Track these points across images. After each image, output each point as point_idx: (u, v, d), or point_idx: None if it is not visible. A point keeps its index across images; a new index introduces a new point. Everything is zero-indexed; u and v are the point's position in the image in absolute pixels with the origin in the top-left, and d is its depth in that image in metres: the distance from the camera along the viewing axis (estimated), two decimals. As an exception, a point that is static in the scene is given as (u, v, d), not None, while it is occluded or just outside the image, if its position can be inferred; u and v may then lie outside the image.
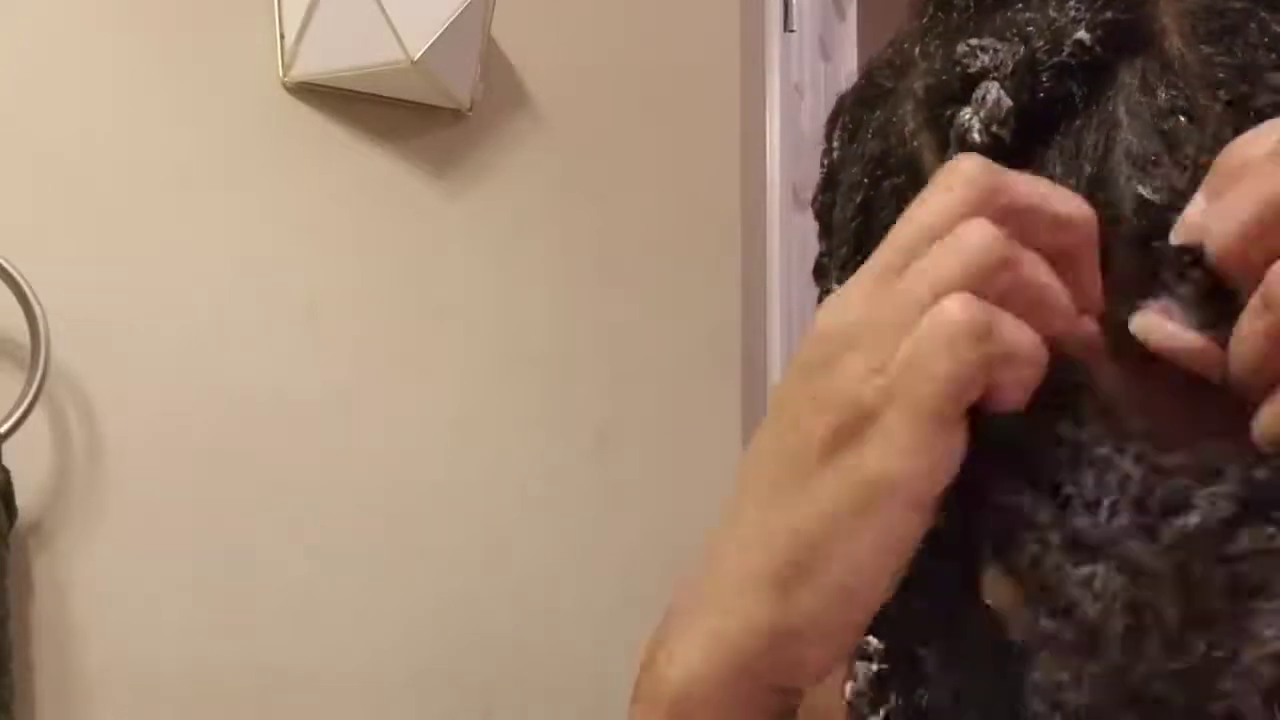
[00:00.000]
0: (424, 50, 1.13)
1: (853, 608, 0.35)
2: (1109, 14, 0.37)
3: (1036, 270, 0.33)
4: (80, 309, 1.03)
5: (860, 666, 0.48)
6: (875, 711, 0.47)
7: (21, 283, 0.98)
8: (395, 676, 1.19)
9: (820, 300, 0.47)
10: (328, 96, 1.18)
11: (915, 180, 0.41)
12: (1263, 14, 0.36)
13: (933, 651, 0.39)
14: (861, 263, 0.41)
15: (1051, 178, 0.36)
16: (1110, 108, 0.37)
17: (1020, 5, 0.39)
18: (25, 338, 0.98)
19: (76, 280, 1.04)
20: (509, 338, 1.29)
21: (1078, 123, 0.37)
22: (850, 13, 2.39)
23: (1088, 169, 0.36)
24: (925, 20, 0.43)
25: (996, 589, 0.36)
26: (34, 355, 0.98)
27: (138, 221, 1.08)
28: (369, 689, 1.17)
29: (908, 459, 0.32)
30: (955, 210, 0.32)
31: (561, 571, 1.30)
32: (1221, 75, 0.36)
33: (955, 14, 0.41)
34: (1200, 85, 0.36)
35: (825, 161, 0.49)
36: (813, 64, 2.07)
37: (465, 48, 1.19)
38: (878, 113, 0.44)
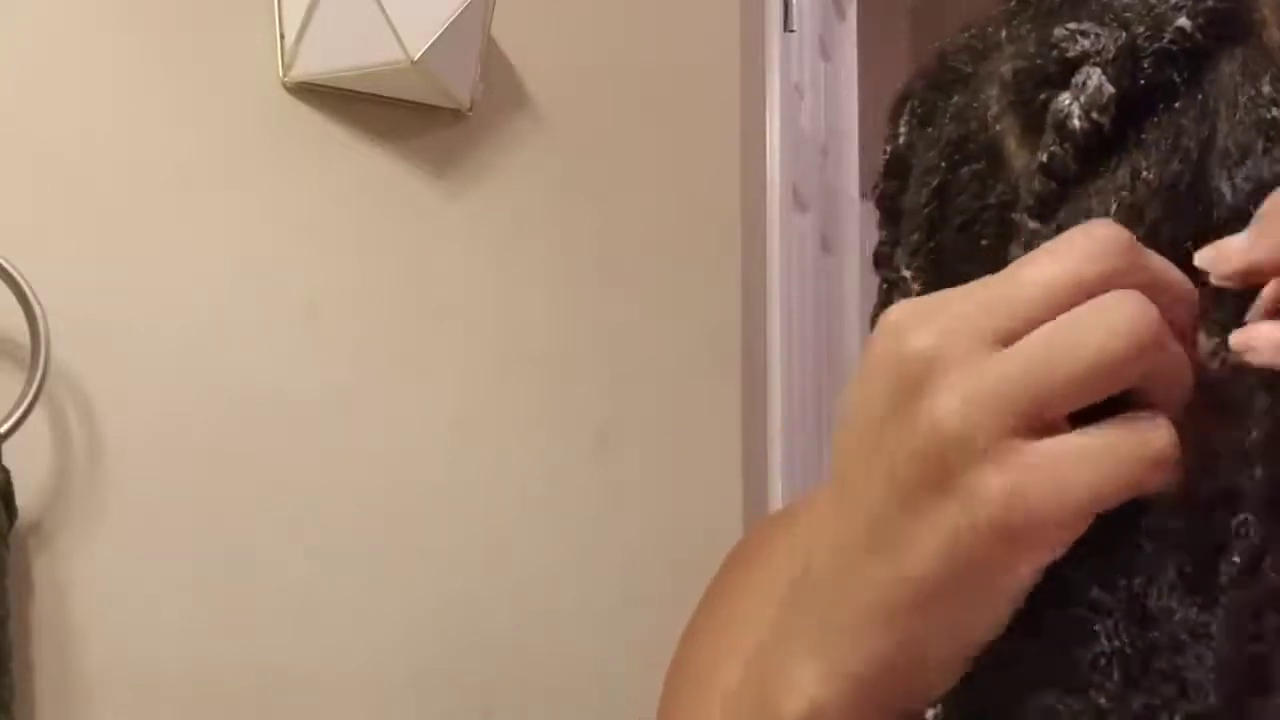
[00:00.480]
0: (424, 50, 1.13)
1: (978, 634, 0.34)
2: (1210, 2, 0.36)
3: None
4: (80, 309, 1.03)
5: None
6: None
7: (21, 283, 0.98)
8: (395, 676, 1.19)
9: (881, 289, 0.48)
10: (328, 96, 1.18)
11: (995, 165, 0.41)
12: None
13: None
14: (934, 250, 0.43)
15: (1150, 166, 0.36)
16: (1209, 97, 0.36)
17: None
18: (25, 338, 0.98)
19: (76, 280, 1.04)
20: (509, 338, 1.29)
21: (1177, 109, 0.36)
22: (850, 13, 2.40)
23: (1187, 160, 0.36)
24: (1012, 4, 0.42)
25: None
26: (34, 355, 0.98)
27: (138, 221, 1.08)
28: (369, 689, 1.18)
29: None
30: (1093, 283, 0.32)
31: (561, 571, 1.30)
32: None
33: None
34: None
35: (888, 148, 0.48)
36: (813, 64, 2.07)
37: (465, 48, 1.19)
38: (955, 97, 0.43)
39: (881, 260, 0.49)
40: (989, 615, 0.33)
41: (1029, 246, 0.36)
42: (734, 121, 1.53)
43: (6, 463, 0.96)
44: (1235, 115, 0.35)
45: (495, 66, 1.29)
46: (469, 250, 1.27)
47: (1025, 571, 0.32)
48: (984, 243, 0.41)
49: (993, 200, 0.41)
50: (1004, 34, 0.41)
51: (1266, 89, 0.35)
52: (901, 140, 0.47)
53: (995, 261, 0.38)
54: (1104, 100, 0.36)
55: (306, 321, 1.17)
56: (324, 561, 1.16)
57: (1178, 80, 0.36)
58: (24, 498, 0.98)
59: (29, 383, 0.97)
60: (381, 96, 1.20)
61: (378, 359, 1.21)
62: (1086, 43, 0.37)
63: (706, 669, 0.59)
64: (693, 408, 1.43)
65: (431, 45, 1.13)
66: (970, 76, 0.43)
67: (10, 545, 0.96)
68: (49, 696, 1.01)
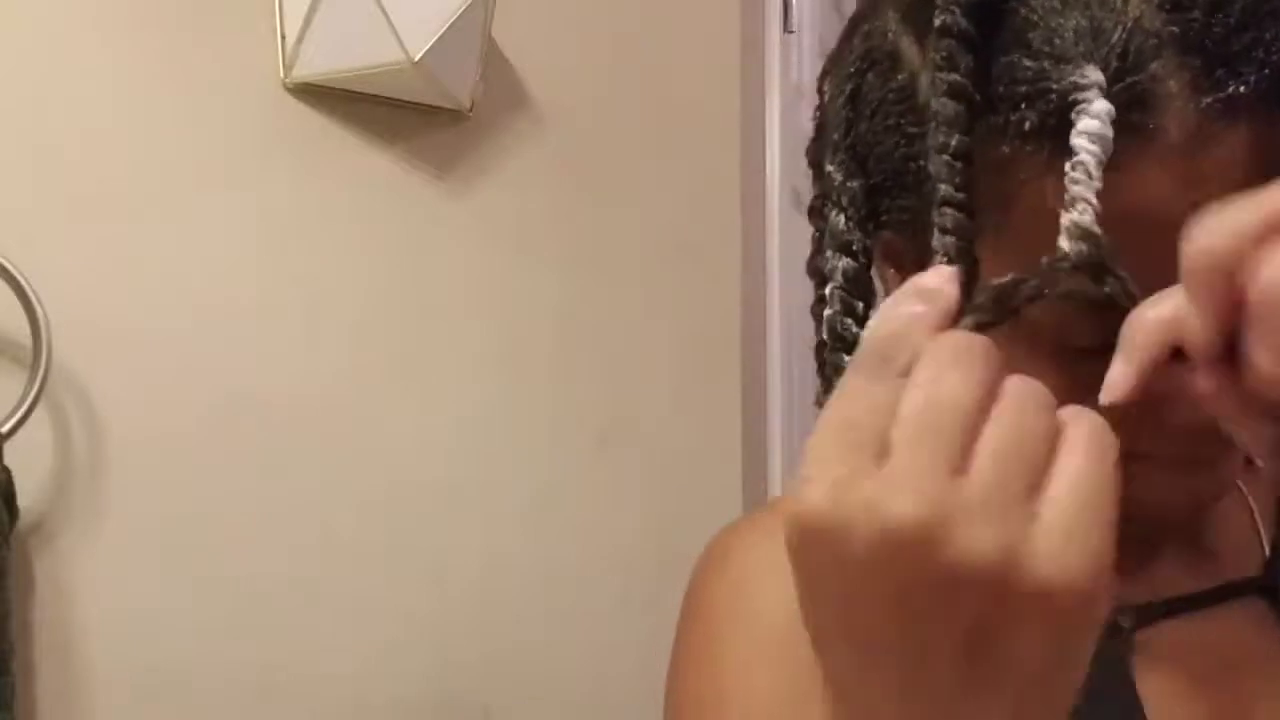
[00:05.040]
0: (424, 51, 1.13)
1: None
2: None
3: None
4: (81, 309, 1.03)
5: None
6: None
7: (23, 282, 0.98)
8: (395, 676, 1.19)
9: (814, 238, 0.59)
10: (328, 97, 1.18)
11: (895, 64, 0.53)
12: None
13: None
14: (851, 144, 0.56)
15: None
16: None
17: None
18: (27, 338, 0.98)
19: (77, 280, 1.04)
20: (509, 338, 1.29)
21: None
22: (850, 13, 2.39)
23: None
24: None
25: None
26: (35, 355, 0.98)
27: (138, 221, 1.08)
28: (369, 689, 1.18)
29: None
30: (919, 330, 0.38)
31: (561, 571, 1.30)
32: None
33: None
34: None
35: (818, 111, 0.57)
36: (813, 64, 2.06)
37: (465, 48, 1.19)
38: (862, 26, 0.56)
39: (813, 213, 0.60)
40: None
41: (944, 93, 0.47)
42: (734, 121, 1.53)
43: (8, 462, 0.96)
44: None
45: (495, 66, 1.29)
46: (469, 250, 1.27)
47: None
48: (889, 122, 0.53)
49: (894, 88, 0.53)
50: None
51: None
52: (826, 100, 0.57)
53: (902, 138, 0.52)
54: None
55: (307, 321, 1.17)
56: (324, 561, 1.16)
57: None
58: (25, 497, 0.98)
59: (30, 383, 0.97)
60: (382, 97, 1.20)
61: (378, 359, 1.21)
62: None
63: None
64: (693, 408, 1.43)
65: (432, 46, 1.13)
66: (875, 8, 0.56)
67: (11, 545, 0.96)
68: (49, 696, 1.01)
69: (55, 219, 1.04)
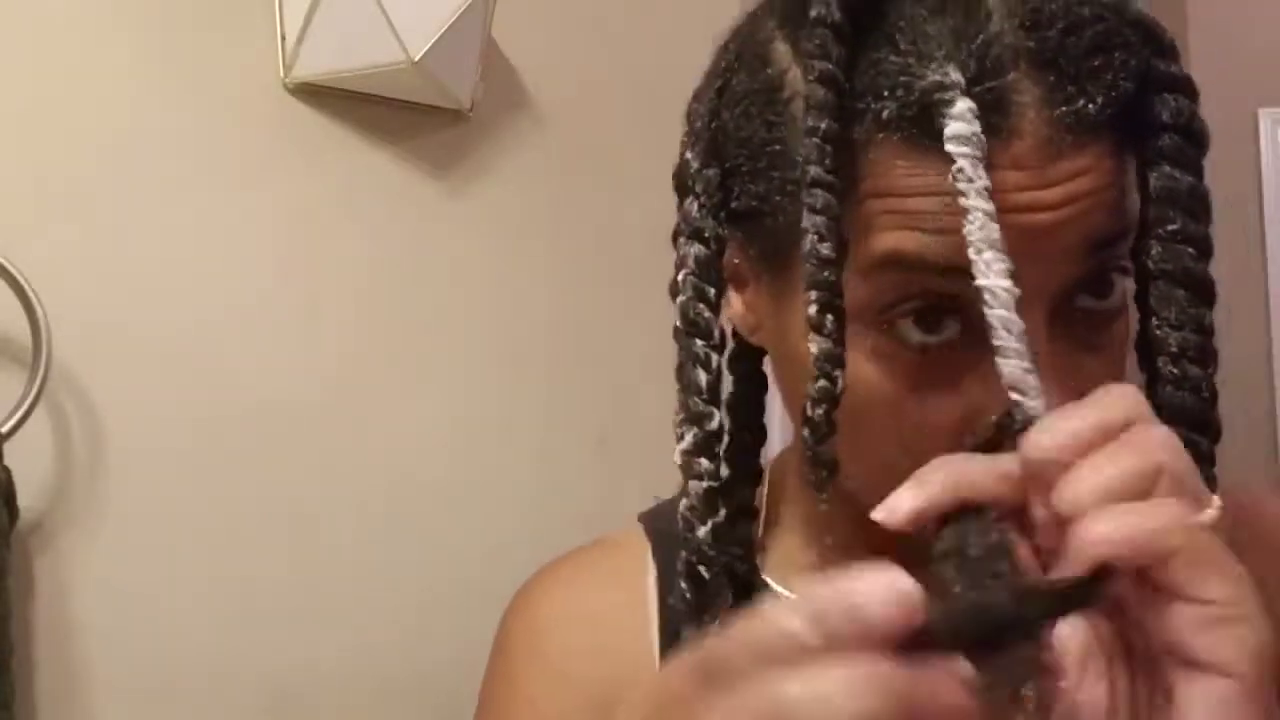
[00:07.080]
0: (424, 51, 1.13)
1: None
2: None
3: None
4: (81, 309, 1.03)
5: (692, 485, 0.68)
6: (704, 523, 0.65)
7: (23, 283, 0.98)
8: (396, 676, 1.19)
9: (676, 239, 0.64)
10: (328, 97, 1.18)
11: (764, 64, 0.57)
12: None
13: None
14: (713, 136, 0.60)
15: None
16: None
17: None
18: (27, 338, 0.98)
19: (77, 280, 1.04)
20: (509, 338, 1.29)
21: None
22: (850, 13, 2.39)
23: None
24: None
25: None
26: (35, 355, 0.98)
27: (138, 221, 1.08)
28: (369, 689, 1.18)
29: None
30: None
31: (561, 571, 1.30)
32: None
33: None
34: None
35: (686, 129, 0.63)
36: (812, 64, 2.07)
37: (465, 48, 1.19)
38: (735, 38, 0.60)
39: (678, 232, 0.65)
40: None
41: (816, 79, 0.51)
42: (734, 122, 1.53)
43: (8, 462, 0.96)
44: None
45: (495, 66, 1.29)
46: (469, 250, 1.27)
47: None
48: (751, 110, 0.57)
49: (760, 81, 0.57)
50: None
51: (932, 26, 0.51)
52: (691, 104, 0.64)
53: (762, 125, 0.55)
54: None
55: (307, 321, 1.17)
56: (325, 561, 1.16)
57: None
58: (25, 498, 0.98)
59: (30, 383, 0.97)
60: (382, 97, 1.20)
61: (378, 359, 1.21)
62: None
63: None
64: (692, 408, 1.43)
65: (432, 46, 1.13)
66: (751, 21, 0.59)
67: (11, 545, 0.96)
68: (49, 696, 1.01)
69: (54, 218, 1.04)
